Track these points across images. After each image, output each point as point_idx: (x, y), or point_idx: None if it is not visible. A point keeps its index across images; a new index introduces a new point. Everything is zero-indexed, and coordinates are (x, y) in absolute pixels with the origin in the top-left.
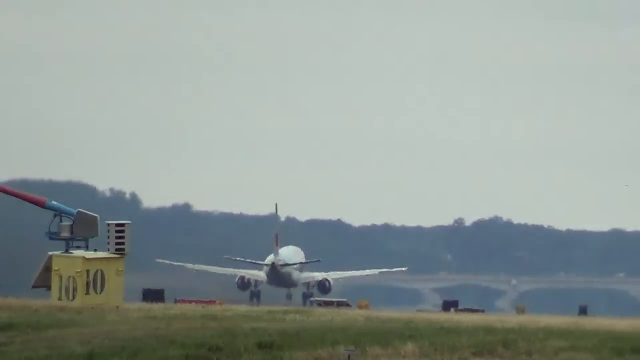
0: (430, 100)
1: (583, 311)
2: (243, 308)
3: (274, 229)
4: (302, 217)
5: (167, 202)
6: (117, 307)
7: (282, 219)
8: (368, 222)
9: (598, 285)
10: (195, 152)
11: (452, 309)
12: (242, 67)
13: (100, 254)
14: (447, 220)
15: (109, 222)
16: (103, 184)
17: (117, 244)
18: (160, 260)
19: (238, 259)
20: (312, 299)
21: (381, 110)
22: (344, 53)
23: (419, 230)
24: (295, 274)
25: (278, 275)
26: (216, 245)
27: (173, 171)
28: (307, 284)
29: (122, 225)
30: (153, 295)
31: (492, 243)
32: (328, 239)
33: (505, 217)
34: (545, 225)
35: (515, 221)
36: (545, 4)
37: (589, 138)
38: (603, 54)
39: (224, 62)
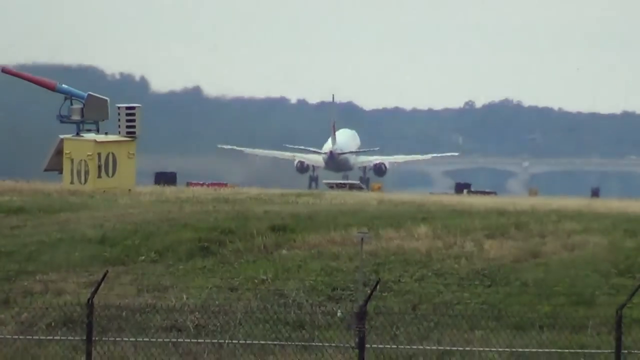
0: None
1: (595, 193)
2: (255, 191)
3: (331, 117)
4: (313, 100)
5: (177, 85)
6: (129, 190)
7: (294, 101)
8: (379, 106)
9: (610, 167)
10: (210, 36)
11: (464, 191)
12: None
13: (111, 137)
14: (457, 103)
15: (119, 105)
16: (112, 68)
17: (127, 127)
18: (221, 146)
19: (298, 147)
20: (325, 181)
21: None
22: None
23: (429, 113)
24: (352, 159)
25: (336, 162)
26: (229, 129)
27: (184, 55)
28: (364, 168)
29: (133, 108)
30: (165, 178)
31: (502, 125)
32: (339, 121)
33: (515, 100)
34: (556, 108)
35: (526, 104)
36: None
37: (600, 18)
38: None
39: None
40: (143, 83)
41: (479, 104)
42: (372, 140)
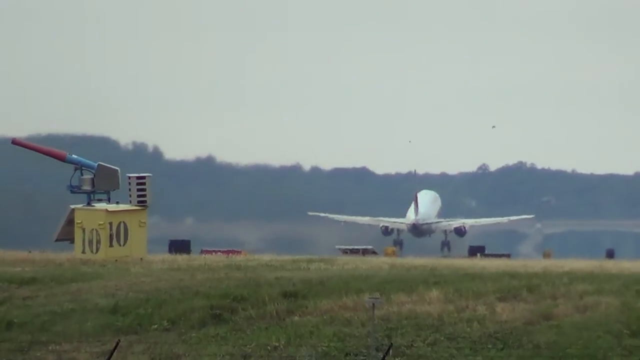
0: (449, 45)
1: (610, 255)
2: (266, 257)
3: (413, 188)
4: (327, 166)
5: (189, 154)
6: (141, 259)
7: (307, 168)
8: (392, 171)
9: (624, 228)
10: (220, 104)
11: (478, 255)
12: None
13: (123, 207)
14: (471, 167)
15: (130, 175)
16: (125, 138)
17: (138, 196)
18: (312, 213)
19: (381, 218)
20: (337, 246)
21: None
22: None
23: (443, 177)
24: (434, 224)
25: (419, 230)
26: (240, 197)
27: (196, 124)
28: (445, 231)
29: (143, 177)
30: (179, 246)
31: (516, 189)
32: (353, 186)
33: (529, 163)
34: (569, 170)
35: (539, 166)
36: None
37: (613, 79)
38: None
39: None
40: (156, 152)
41: (492, 167)
42: (382, 204)
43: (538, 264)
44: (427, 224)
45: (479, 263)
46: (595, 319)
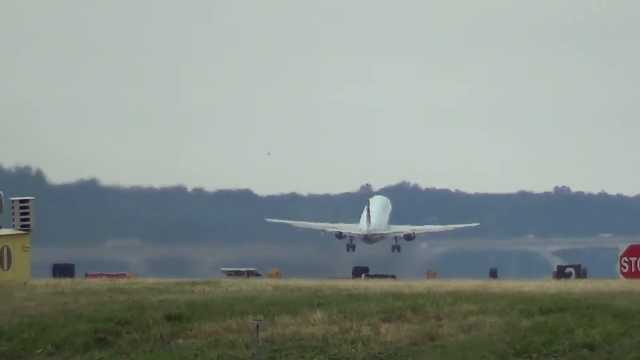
0: (335, 67)
1: (494, 274)
2: (151, 281)
3: (366, 202)
4: (211, 188)
5: (73, 177)
6: (25, 283)
7: (190, 190)
8: (276, 192)
9: (507, 248)
10: (102, 126)
11: (362, 275)
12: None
13: (6, 231)
14: (354, 187)
15: (13, 199)
16: (9, 161)
17: (22, 220)
18: (270, 220)
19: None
20: (222, 269)
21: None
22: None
23: (326, 198)
24: (386, 234)
25: (372, 240)
26: (124, 219)
27: (79, 147)
28: (395, 238)
29: (27, 201)
30: (63, 270)
31: (400, 208)
32: (237, 208)
33: (412, 183)
34: (453, 190)
35: (424, 186)
36: None
37: (496, 101)
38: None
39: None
40: (40, 175)
41: (376, 187)
42: (265, 225)
43: (422, 284)
44: (379, 234)
45: (363, 284)
46: (480, 339)
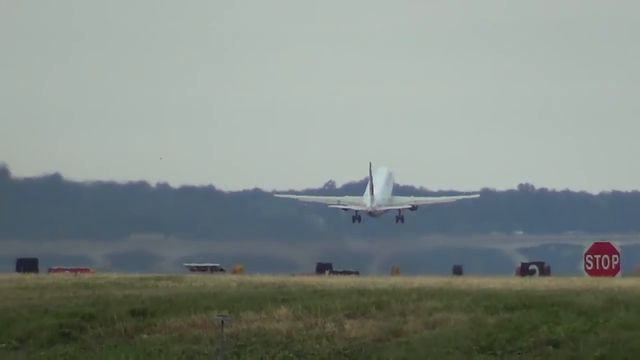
0: (299, 65)
1: (458, 271)
2: (114, 276)
3: (369, 180)
4: (175, 183)
5: (36, 172)
6: None
7: (153, 185)
8: (239, 188)
9: (471, 244)
10: (66, 121)
11: (326, 272)
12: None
13: None
14: (318, 183)
15: None
16: None
17: None
18: (277, 195)
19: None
20: (185, 264)
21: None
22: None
23: (290, 195)
24: (389, 207)
25: (376, 214)
26: (87, 214)
27: (43, 141)
28: (399, 209)
29: None
30: (26, 265)
31: None
32: (200, 204)
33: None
34: (417, 187)
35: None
36: None
37: (458, 99)
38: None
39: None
40: (3, 170)
41: (339, 184)
42: (228, 223)
43: (387, 280)
44: (383, 209)
45: (328, 280)
46: (445, 335)
